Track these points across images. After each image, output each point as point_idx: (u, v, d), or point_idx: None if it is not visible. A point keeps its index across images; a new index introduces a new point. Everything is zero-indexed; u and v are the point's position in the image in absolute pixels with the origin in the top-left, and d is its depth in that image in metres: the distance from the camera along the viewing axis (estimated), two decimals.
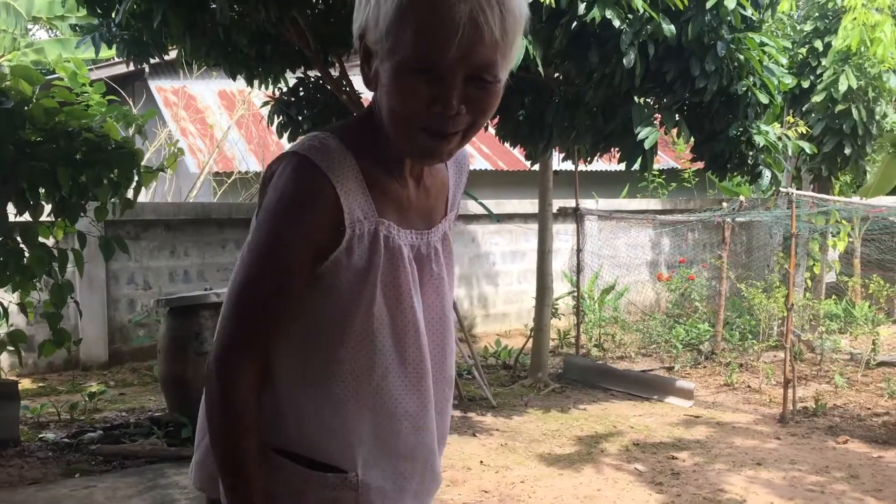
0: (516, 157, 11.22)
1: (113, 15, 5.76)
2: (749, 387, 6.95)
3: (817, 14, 8.90)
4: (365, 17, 1.25)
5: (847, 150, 8.50)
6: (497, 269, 9.69)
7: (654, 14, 4.65)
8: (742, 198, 8.70)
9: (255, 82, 6.45)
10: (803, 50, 8.86)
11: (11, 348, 5.14)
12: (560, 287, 8.74)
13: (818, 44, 8.70)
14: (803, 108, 8.80)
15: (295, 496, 1.34)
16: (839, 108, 8.35)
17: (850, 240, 9.43)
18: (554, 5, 4.44)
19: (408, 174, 1.38)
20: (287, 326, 1.32)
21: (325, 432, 1.34)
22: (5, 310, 4.88)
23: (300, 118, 6.56)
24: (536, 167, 7.03)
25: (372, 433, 1.36)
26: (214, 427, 1.29)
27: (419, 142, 1.27)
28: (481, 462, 4.98)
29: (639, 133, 5.15)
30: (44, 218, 4.86)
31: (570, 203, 8.45)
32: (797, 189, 8.46)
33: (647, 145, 5.17)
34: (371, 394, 1.34)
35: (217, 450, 1.29)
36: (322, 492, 1.34)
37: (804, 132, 8.29)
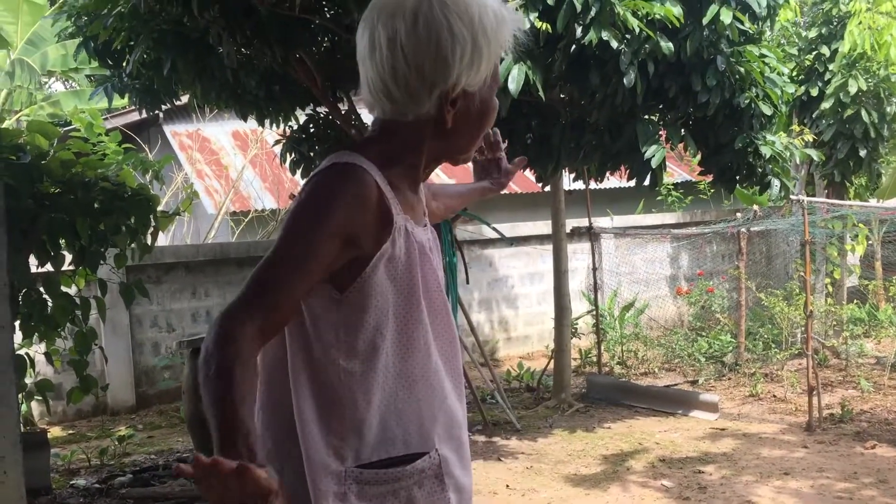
0: (529, 180, 11.27)
1: (124, 65, 5.91)
2: (774, 396, 6.91)
3: (822, 20, 8.93)
4: (459, 70, 1.42)
5: (861, 153, 8.50)
6: (516, 291, 9.71)
7: (651, 33, 4.71)
8: (756, 207, 8.69)
9: (266, 122, 6.57)
10: (810, 56, 8.87)
11: (40, 397, 5.24)
12: (579, 306, 8.75)
13: (824, 50, 8.72)
14: (813, 115, 8.80)
15: (394, 493, 1.46)
16: (848, 112, 8.35)
17: (870, 242, 9.37)
18: (551, 30, 4.51)
19: (419, 181, 1.57)
20: (352, 345, 1.42)
21: (405, 422, 1.48)
22: (31, 360, 4.97)
23: (312, 154, 6.66)
24: (549, 188, 7.08)
25: (439, 409, 1.51)
26: (208, 378, 1.26)
27: (477, 145, 1.58)
28: (507, 486, 4.99)
29: (645, 152, 5.19)
30: (65, 267, 4.96)
31: (585, 222, 8.47)
32: (811, 195, 8.44)
33: (654, 164, 5.21)
34: (433, 372, 1.50)
35: (209, 399, 1.26)
36: (412, 478, 1.46)
37: (811, 140, 8.29)
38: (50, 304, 4.84)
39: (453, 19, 1.40)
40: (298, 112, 6.73)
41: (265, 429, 1.51)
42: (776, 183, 5.57)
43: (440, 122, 1.46)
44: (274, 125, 6.69)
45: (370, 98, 1.48)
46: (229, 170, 11.08)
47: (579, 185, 7.67)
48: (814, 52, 8.83)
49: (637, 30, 4.65)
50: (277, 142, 6.96)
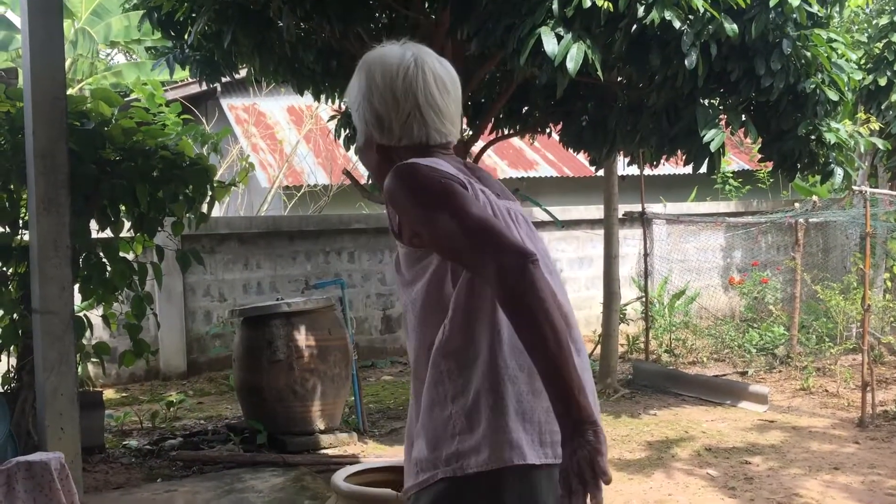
0: (582, 164, 11.16)
1: (185, 37, 5.98)
2: (826, 391, 6.77)
3: (894, 8, 8.63)
4: None
5: None
6: (564, 275, 9.65)
7: (715, 13, 4.60)
8: (815, 198, 8.48)
9: (322, 97, 6.60)
10: (879, 45, 8.59)
11: (96, 359, 5.38)
12: (629, 293, 8.67)
13: (895, 38, 8.43)
14: (881, 106, 8.53)
15: None
16: None
17: None
18: (612, 9, 4.43)
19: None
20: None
21: None
22: (89, 322, 5.10)
23: None
24: (601, 172, 7.01)
25: None
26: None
27: None
28: None
29: (704, 135, 5.09)
30: (124, 233, 5.07)
31: (637, 208, 8.37)
32: (874, 188, 8.21)
33: (712, 148, 5.09)
34: None
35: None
36: None
37: (877, 129, 8.05)
38: (108, 268, 4.95)
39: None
40: None
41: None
42: (839, 171, 5.42)
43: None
44: (329, 100, 6.72)
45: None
46: (283, 144, 11.19)
47: (632, 170, 7.58)
48: (884, 41, 8.55)
49: (701, 10, 4.54)
50: (332, 117, 6.99)
